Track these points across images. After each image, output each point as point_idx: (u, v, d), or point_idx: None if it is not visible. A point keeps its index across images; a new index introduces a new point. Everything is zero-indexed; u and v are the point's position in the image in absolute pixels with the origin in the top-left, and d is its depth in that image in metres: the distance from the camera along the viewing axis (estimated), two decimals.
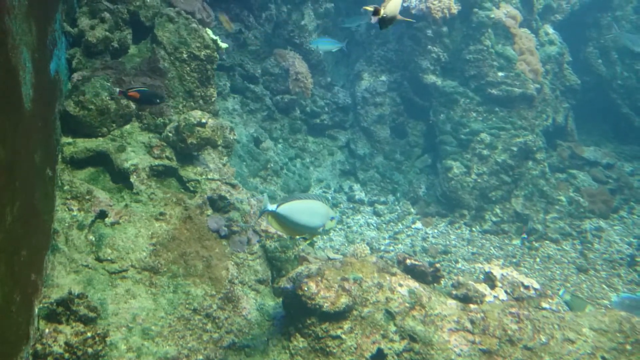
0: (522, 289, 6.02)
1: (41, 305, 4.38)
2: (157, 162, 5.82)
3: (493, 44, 9.82)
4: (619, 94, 12.03)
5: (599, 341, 5.43)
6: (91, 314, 4.49)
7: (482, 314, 5.54)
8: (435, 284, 6.01)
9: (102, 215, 5.28)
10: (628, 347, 5.40)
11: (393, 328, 5.33)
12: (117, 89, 5.72)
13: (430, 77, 10.12)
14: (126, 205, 5.45)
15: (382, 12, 3.72)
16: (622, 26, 12.03)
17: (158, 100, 5.54)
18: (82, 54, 6.00)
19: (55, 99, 5.29)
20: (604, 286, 8.40)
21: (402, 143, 10.84)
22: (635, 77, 11.98)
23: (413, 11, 9.73)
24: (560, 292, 7.05)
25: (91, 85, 5.67)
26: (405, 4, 9.78)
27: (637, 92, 11.98)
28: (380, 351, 5.25)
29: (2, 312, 3.52)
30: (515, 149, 9.83)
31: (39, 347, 4.14)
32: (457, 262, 8.85)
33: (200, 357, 4.92)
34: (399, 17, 3.88)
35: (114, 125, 5.84)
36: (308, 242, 4.68)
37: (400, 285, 5.57)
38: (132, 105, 5.93)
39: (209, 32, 6.57)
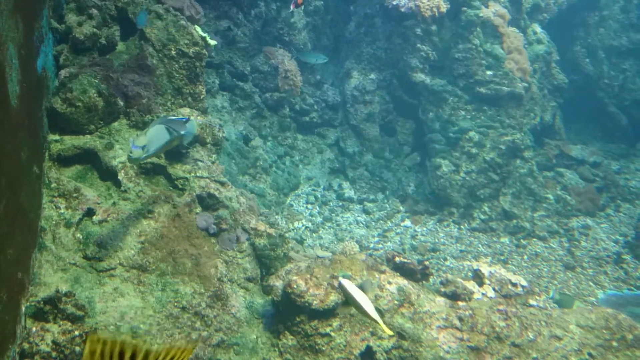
0: (510, 287, 6.06)
1: (28, 303, 4.35)
2: None
3: (482, 42, 9.87)
4: (606, 93, 12.14)
5: (585, 338, 5.48)
6: (79, 312, 4.46)
7: (470, 311, 5.57)
8: (424, 282, 6.03)
9: (90, 213, 5.24)
10: (614, 343, 5.45)
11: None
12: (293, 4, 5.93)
13: (419, 76, 10.14)
14: (114, 203, 5.41)
15: None
16: (609, 26, 12.14)
17: None
18: (69, 51, 5.95)
19: (42, 96, 5.25)
20: (591, 283, 8.48)
21: (391, 141, 10.86)
22: (622, 76, 12.10)
23: (402, 9, 9.75)
24: (550, 294, 7.11)
25: (78, 82, 5.62)
26: (394, 3, 9.80)
27: (623, 91, 12.09)
28: (369, 348, 5.26)
29: None
30: (503, 147, 9.88)
31: (26, 345, 4.11)
32: (445, 259, 8.88)
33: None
34: None
35: (101, 122, 5.79)
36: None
37: (389, 282, 5.59)
38: (120, 103, 5.90)
39: (198, 29, 6.54)
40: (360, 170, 10.66)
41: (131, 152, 4.35)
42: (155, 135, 4.54)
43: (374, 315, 4.12)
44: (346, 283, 4.24)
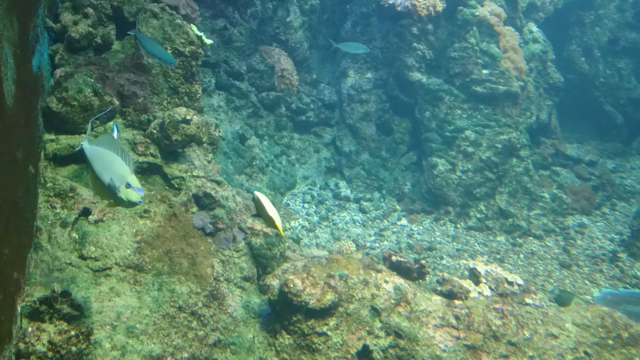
0: (506, 285, 6.06)
1: (24, 303, 4.33)
2: (141, 159, 5.78)
3: (478, 41, 9.88)
4: (602, 92, 12.18)
5: (581, 336, 5.49)
6: (75, 312, 4.45)
7: (466, 310, 5.57)
8: (420, 281, 6.04)
9: (86, 212, 5.22)
10: (610, 342, 5.47)
11: (379, 324, 5.35)
12: None
13: (416, 75, 10.15)
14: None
15: None
16: (605, 24, 12.17)
17: None
18: (65, 50, 5.93)
19: (37, 96, 5.23)
20: (587, 282, 8.50)
21: (387, 140, 10.87)
22: (617, 75, 12.13)
23: (398, 8, 9.75)
24: (550, 289, 7.13)
25: (74, 81, 5.60)
26: (390, 2, 9.80)
27: (619, 90, 12.13)
28: (366, 347, 5.26)
29: None
30: (499, 146, 9.89)
31: (22, 346, 4.10)
32: (442, 258, 8.90)
33: (186, 355, 4.90)
34: None
35: (97, 122, 5.78)
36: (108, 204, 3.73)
37: (386, 281, 5.59)
38: (116, 102, 5.88)
39: (194, 28, 6.53)
40: (356, 169, 10.66)
41: (141, 198, 3.68)
42: (128, 161, 3.85)
43: (277, 220, 4.45)
44: (260, 195, 4.50)
